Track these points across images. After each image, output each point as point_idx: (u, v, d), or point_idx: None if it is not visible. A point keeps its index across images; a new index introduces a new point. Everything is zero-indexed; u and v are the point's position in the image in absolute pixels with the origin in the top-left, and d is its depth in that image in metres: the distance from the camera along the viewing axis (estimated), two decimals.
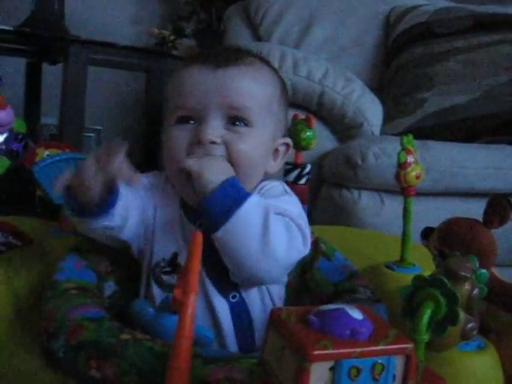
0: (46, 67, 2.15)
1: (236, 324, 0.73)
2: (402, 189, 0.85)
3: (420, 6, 2.01)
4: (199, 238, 0.46)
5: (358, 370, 0.39)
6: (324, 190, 1.54)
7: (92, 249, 0.81)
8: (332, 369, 0.39)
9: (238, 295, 0.74)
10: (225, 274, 0.72)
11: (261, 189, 0.79)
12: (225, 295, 0.73)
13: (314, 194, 1.55)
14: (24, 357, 0.64)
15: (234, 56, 0.78)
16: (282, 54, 1.64)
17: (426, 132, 1.60)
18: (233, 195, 0.69)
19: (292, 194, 0.81)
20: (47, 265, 0.81)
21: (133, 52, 2.04)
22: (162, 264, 0.73)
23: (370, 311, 0.44)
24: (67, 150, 0.97)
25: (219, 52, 0.80)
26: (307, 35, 2.01)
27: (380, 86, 1.89)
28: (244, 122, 0.75)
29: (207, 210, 0.69)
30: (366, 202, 1.43)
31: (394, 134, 1.56)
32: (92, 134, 2.30)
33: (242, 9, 2.14)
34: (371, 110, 1.59)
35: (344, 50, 2.00)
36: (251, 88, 0.76)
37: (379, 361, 0.40)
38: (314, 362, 0.38)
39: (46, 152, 0.95)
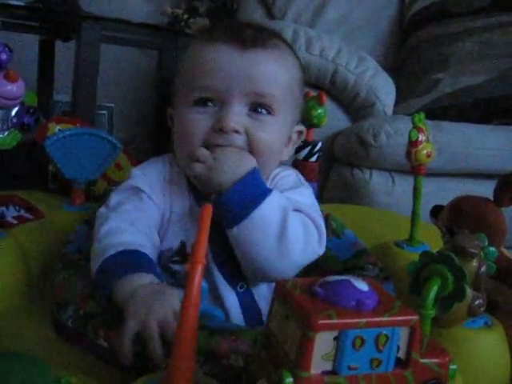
0: (59, 44, 2.15)
1: (245, 314, 0.72)
2: (412, 167, 0.85)
3: None
4: (208, 210, 0.46)
5: (363, 341, 0.40)
6: (335, 168, 1.54)
7: None
8: (336, 338, 0.39)
9: (245, 285, 0.73)
10: (234, 263, 0.71)
11: (274, 177, 0.77)
12: (233, 285, 0.72)
13: (325, 172, 1.55)
14: (35, 327, 0.65)
15: (261, 37, 0.74)
16: (294, 32, 1.62)
17: (439, 113, 1.59)
18: (253, 191, 0.67)
19: (306, 184, 0.79)
20: (58, 238, 0.82)
21: (146, 29, 2.02)
22: (169, 254, 0.73)
23: (375, 283, 0.44)
24: (78, 125, 0.98)
25: (244, 31, 0.75)
26: (321, 14, 1.99)
27: (394, 66, 1.87)
28: (267, 109, 0.72)
29: (224, 205, 0.66)
30: (377, 181, 1.42)
31: (407, 115, 1.55)
32: (104, 112, 2.29)
33: None
34: (384, 90, 1.57)
35: (358, 29, 1.98)
36: (278, 74, 0.73)
37: (384, 332, 0.40)
38: (318, 332, 0.38)
39: (58, 127, 0.96)
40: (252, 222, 0.66)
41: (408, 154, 0.84)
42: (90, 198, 0.95)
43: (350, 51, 1.60)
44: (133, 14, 2.30)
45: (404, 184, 1.40)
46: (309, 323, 0.38)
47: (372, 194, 1.42)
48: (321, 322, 0.38)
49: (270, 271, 0.68)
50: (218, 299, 0.72)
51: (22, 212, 0.88)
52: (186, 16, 2.53)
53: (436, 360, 0.44)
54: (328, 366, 0.39)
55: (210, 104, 0.72)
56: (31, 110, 0.77)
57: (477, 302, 0.57)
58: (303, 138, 0.83)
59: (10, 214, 0.87)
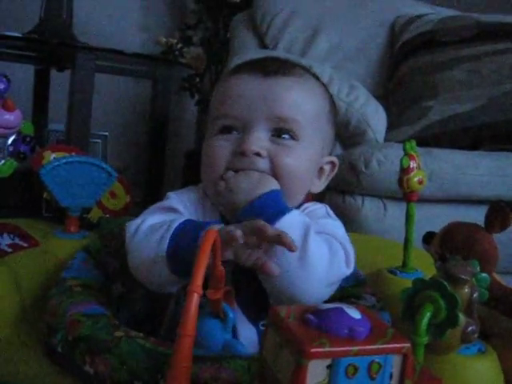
0: (54, 74, 2.17)
1: None
2: (404, 194, 0.86)
3: (425, 14, 2.02)
4: (211, 236, 0.46)
5: (355, 369, 0.39)
6: (327, 196, 1.54)
7: (102, 250, 0.82)
8: (329, 367, 0.39)
9: None
10: (259, 302, 0.69)
11: (303, 210, 0.76)
12: (255, 323, 0.70)
13: (317, 200, 1.55)
14: (28, 354, 0.65)
15: (284, 66, 0.75)
16: None
17: (430, 140, 1.60)
18: (271, 209, 0.66)
19: (335, 217, 0.78)
20: (53, 266, 0.82)
21: (139, 59, 2.06)
22: None
23: (368, 311, 0.44)
24: (74, 153, 0.98)
25: (267, 61, 0.77)
26: (313, 44, 2.02)
27: (385, 94, 1.90)
28: (290, 134, 0.72)
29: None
30: (369, 208, 1.43)
31: (398, 142, 1.56)
32: (99, 140, 2.31)
33: (248, 17, 2.15)
34: (375, 118, 1.59)
35: (349, 58, 2.01)
36: (300, 100, 0.73)
37: (376, 359, 0.40)
38: (311, 360, 0.38)
39: (53, 155, 0.96)
40: None
41: (400, 182, 0.85)
42: (84, 226, 0.96)
43: (341, 79, 1.61)
44: (127, 43, 2.34)
45: (396, 211, 1.40)
46: (302, 351, 0.38)
47: (364, 220, 1.42)
48: (314, 350, 0.38)
49: (295, 291, 0.65)
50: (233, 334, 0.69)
51: (17, 240, 0.88)
52: (179, 45, 2.57)
53: None
54: None
55: (234, 132, 0.73)
56: (27, 139, 0.78)
57: (470, 329, 0.57)
58: (336, 169, 0.82)
59: (5, 241, 0.87)
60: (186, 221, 0.69)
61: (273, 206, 0.67)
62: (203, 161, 0.76)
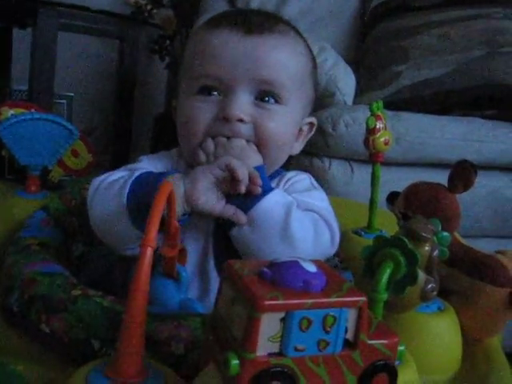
0: (17, 32, 2.10)
1: None
2: (370, 155, 0.86)
3: None
4: (166, 188, 0.44)
5: (309, 322, 0.39)
6: (294, 158, 1.53)
7: (61, 208, 0.81)
8: (283, 320, 0.39)
9: None
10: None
11: (287, 181, 0.74)
12: None
13: (284, 162, 1.54)
14: None
15: (268, 22, 0.71)
16: None
17: (400, 105, 1.60)
18: None
19: (319, 188, 0.76)
20: (12, 225, 0.80)
21: (106, 18, 2.00)
22: None
23: (324, 265, 0.44)
24: (33, 110, 0.95)
25: (250, 15, 0.72)
26: (284, 6, 2.00)
27: (356, 59, 1.89)
28: (275, 98, 0.69)
29: None
30: (336, 170, 1.42)
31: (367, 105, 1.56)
32: (63, 101, 2.25)
33: None
34: (344, 80, 1.57)
35: (321, 21, 1.99)
36: (286, 60, 0.70)
37: (331, 313, 0.40)
38: (264, 313, 0.38)
39: (11, 111, 0.93)
40: (251, 220, 0.63)
41: (366, 142, 0.84)
42: (46, 187, 0.94)
43: (310, 41, 1.59)
44: (95, 1, 2.26)
45: (363, 173, 1.40)
46: (255, 304, 0.38)
47: (331, 183, 1.41)
48: (267, 302, 0.38)
49: None
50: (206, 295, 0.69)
51: None
52: (149, 6, 2.51)
53: (384, 341, 0.44)
54: (275, 348, 0.39)
55: (214, 93, 0.68)
56: None
57: (429, 286, 0.57)
58: (314, 130, 0.79)
59: None
60: (147, 171, 0.66)
61: None
62: (181, 123, 0.72)
